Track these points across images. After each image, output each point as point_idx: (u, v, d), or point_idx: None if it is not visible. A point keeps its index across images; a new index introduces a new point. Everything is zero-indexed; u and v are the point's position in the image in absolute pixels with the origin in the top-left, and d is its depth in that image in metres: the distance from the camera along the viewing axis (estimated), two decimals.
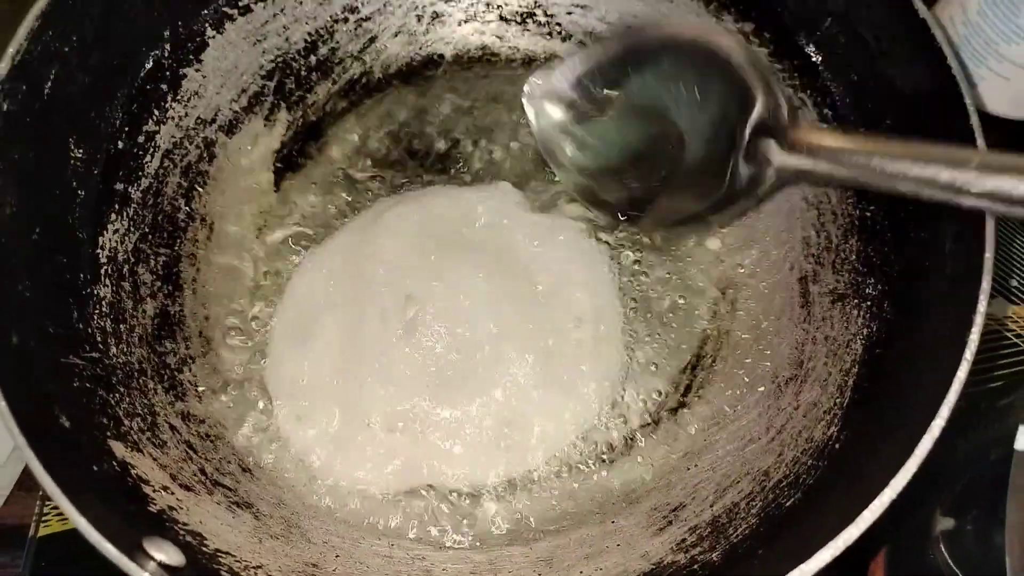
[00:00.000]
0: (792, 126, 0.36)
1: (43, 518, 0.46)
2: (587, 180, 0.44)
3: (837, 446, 0.36)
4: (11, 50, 0.36)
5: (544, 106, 0.43)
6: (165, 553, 0.30)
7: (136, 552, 0.29)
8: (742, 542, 0.34)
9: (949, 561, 0.37)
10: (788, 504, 0.35)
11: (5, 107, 0.35)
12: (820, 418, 0.38)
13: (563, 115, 0.43)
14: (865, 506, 0.29)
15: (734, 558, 0.34)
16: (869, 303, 0.39)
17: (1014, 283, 0.53)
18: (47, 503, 0.46)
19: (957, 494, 0.38)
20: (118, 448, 0.35)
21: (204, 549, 0.33)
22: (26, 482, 0.47)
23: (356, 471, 0.40)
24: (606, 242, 0.46)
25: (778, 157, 0.36)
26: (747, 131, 0.37)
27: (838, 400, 0.38)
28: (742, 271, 0.45)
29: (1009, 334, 0.51)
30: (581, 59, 0.41)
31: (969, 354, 0.31)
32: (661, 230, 0.45)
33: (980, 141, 0.35)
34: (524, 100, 0.43)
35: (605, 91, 0.41)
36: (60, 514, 0.46)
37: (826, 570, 0.28)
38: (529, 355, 0.42)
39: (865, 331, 0.39)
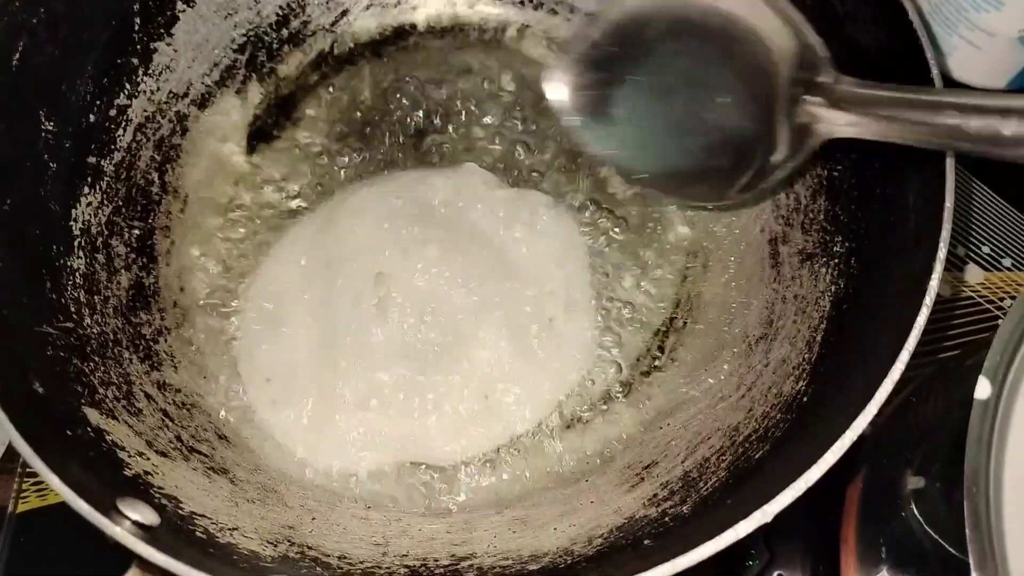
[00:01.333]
0: (837, 81, 0.33)
1: (22, 494, 0.46)
2: (619, 155, 0.42)
3: (805, 399, 0.36)
4: None
5: (563, 88, 0.40)
6: (140, 513, 0.30)
7: (111, 511, 0.29)
8: (712, 494, 0.35)
9: (919, 518, 0.38)
10: (757, 456, 0.35)
11: None
12: (789, 374, 0.38)
13: (584, 94, 0.40)
14: (828, 448, 0.29)
15: (703, 509, 0.34)
16: (837, 260, 0.40)
17: (986, 250, 0.53)
18: (25, 480, 0.47)
19: (925, 453, 0.39)
20: (92, 415, 0.35)
21: (180, 511, 0.33)
22: (5, 465, 0.48)
23: (334, 451, 0.40)
24: (578, 213, 0.46)
25: (826, 115, 0.33)
26: (785, 90, 0.34)
27: (806, 356, 0.38)
28: (714, 234, 0.46)
29: (981, 300, 0.52)
30: (594, 32, 0.39)
31: (929, 300, 0.31)
32: (688, 202, 0.44)
33: None
34: (544, 82, 0.41)
35: (622, 62, 0.39)
36: (39, 490, 0.46)
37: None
38: (502, 328, 0.42)
39: (833, 288, 0.39)
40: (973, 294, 0.52)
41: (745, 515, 0.29)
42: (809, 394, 0.36)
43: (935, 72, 0.37)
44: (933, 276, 0.32)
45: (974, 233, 0.54)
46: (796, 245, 0.42)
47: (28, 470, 0.47)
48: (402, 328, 0.42)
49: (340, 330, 0.41)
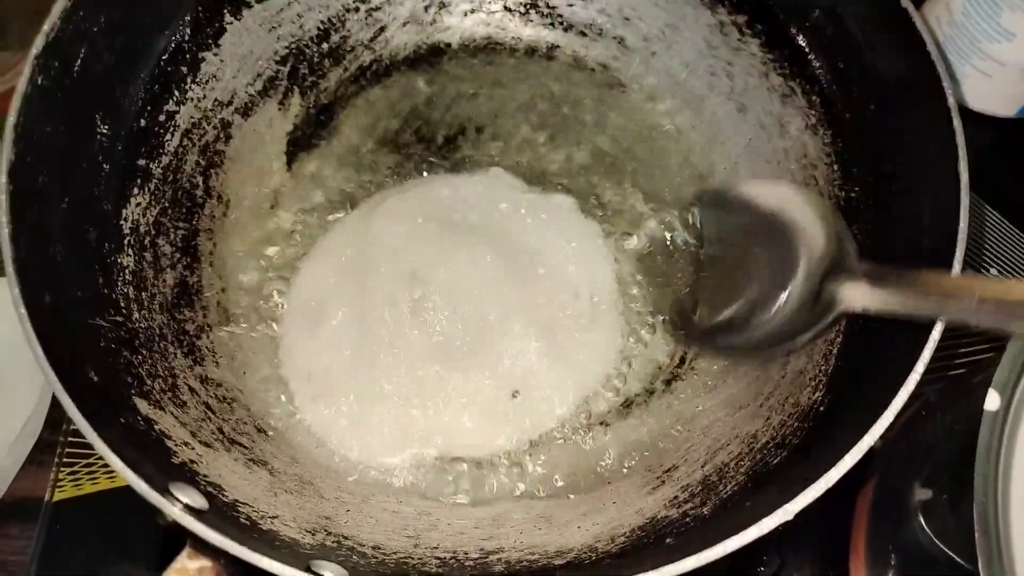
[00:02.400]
0: (861, 268, 0.38)
1: (58, 483, 0.48)
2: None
3: (821, 409, 0.38)
4: (45, 27, 0.38)
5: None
6: (190, 497, 0.32)
7: (165, 494, 0.31)
8: (731, 497, 0.36)
9: (926, 529, 0.39)
10: (775, 462, 0.37)
11: (40, 81, 0.37)
12: (806, 384, 0.40)
13: None
14: (845, 453, 0.31)
15: (723, 511, 0.36)
16: None
17: (995, 272, 0.55)
18: (62, 469, 0.48)
19: (933, 466, 0.41)
20: (142, 405, 0.37)
21: (223, 499, 0.35)
22: (38, 457, 0.49)
23: (374, 446, 0.42)
24: (600, 220, 0.48)
25: (848, 292, 0.37)
26: (819, 273, 0.39)
27: (823, 368, 0.40)
28: None
29: None
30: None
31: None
32: (716, 354, 0.45)
33: (956, 121, 0.37)
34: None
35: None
36: (75, 479, 0.48)
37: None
38: (531, 328, 0.44)
39: None
40: None
41: (765, 515, 0.30)
42: (826, 404, 0.38)
43: (951, 102, 0.38)
44: None
45: (984, 256, 0.55)
46: None
47: (64, 460, 0.48)
48: (435, 327, 0.43)
49: (377, 329, 0.43)
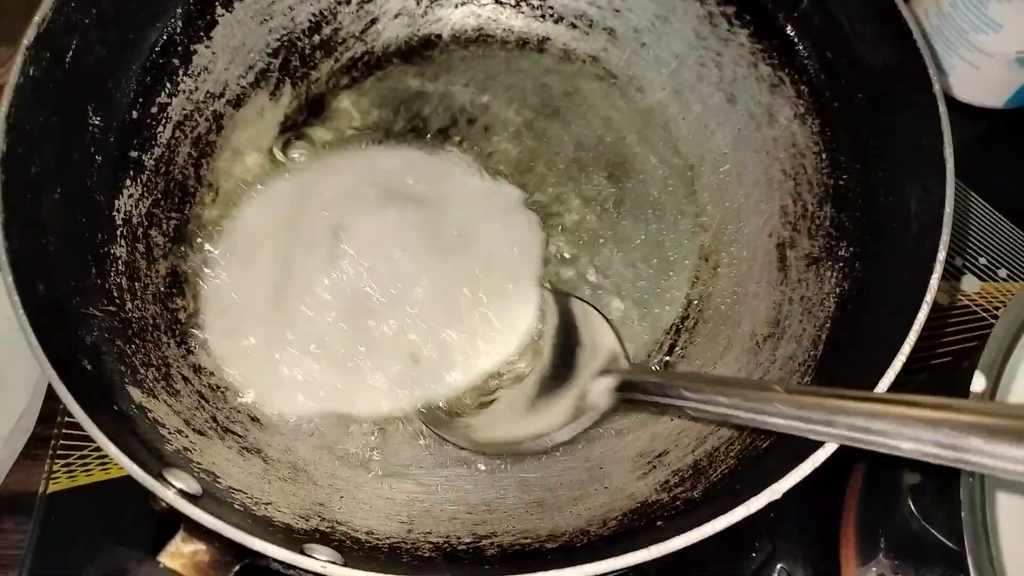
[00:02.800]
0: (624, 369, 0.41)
1: (52, 475, 0.48)
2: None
3: None
4: (37, 18, 0.38)
5: None
6: (184, 483, 0.32)
7: (159, 479, 0.31)
8: (721, 480, 0.37)
9: (916, 513, 0.40)
10: (764, 446, 0.37)
11: (32, 72, 0.37)
12: (795, 370, 0.40)
13: None
14: None
15: (713, 493, 0.36)
16: (841, 264, 0.42)
17: (983, 261, 0.56)
18: (56, 461, 0.48)
19: None
20: (135, 393, 0.37)
21: (218, 485, 0.35)
22: (31, 451, 0.49)
23: (275, 389, 0.43)
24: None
25: (612, 391, 0.39)
26: (594, 374, 0.41)
27: (812, 353, 0.40)
28: (724, 239, 0.48)
29: (977, 309, 0.54)
30: None
31: (929, 298, 0.33)
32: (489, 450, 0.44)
33: (942, 109, 0.38)
34: None
35: None
36: (69, 471, 0.48)
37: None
38: (440, 295, 0.44)
39: (838, 289, 0.41)
40: (969, 303, 0.54)
41: (754, 494, 0.31)
42: None
43: (937, 89, 0.39)
44: (933, 277, 0.34)
45: (971, 245, 0.56)
46: (803, 250, 0.45)
47: (59, 452, 0.49)
48: (347, 282, 0.44)
49: (293, 275, 0.44)
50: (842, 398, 0.28)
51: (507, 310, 0.45)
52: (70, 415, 0.47)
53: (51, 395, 0.51)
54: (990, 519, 0.33)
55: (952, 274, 0.55)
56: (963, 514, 0.32)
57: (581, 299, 0.45)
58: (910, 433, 0.25)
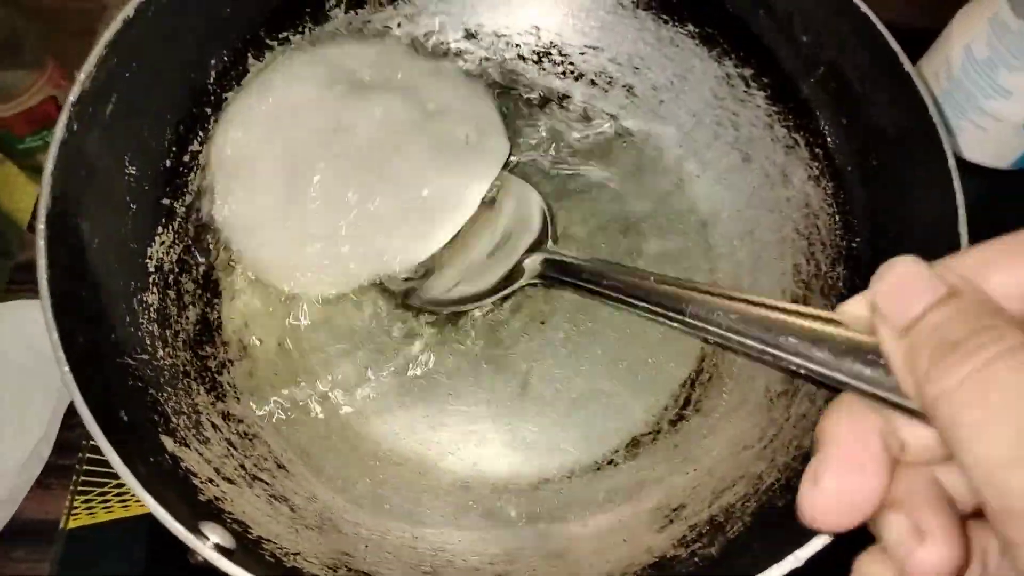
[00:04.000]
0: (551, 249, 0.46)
1: (73, 510, 0.49)
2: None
3: None
4: (81, 75, 0.39)
5: None
6: (219, 536, 0.33)
7: (196, 533, 0.32)
8: (738, 538, 0.38)
9: None
10: (781, 504, 0.38)
11: (75, 128, 0.38)
12: (809, 428, 0.41)
13: None
14: None
15: (731, 552, 0.37)
16: None
17: None
18: (76, 496, 0.49)
19: None
20: (168, 443, 0.38)
21: (248, 536, 0.36)
22: (45, 480, 0.51)
23: (309, 280, 0.47)
24: None
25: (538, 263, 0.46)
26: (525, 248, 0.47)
27: None
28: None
29: None
30: None
31: None
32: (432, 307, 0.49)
33: (955, 175, 0.39)
34: None
35: None
36: (89, 507, 0.49)
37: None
38: (424, 147, 0.49)
39: None
40: None
41: (774, 561, 0.32)
42: None
43: (949, 154, 0.40)
44: None
45: None
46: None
47: (79, 488, 0.49)
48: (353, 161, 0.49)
49: (306, 174, 0.48)
50: (744, 302, 0.29)
51: (486, 141, 0.51)
52: (92, 451, 0.49)
53: (67, 423, 0.52)
54: None
55: None
56: None
57: (523, 181, 0.50)
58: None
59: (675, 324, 0.34)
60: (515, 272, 0.46)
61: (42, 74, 0.67)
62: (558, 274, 0.44)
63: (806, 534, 0.32)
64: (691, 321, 0.32)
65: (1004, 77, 0.53)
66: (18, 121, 0.69)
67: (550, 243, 0.47)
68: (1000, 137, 0.56)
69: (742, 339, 0.28)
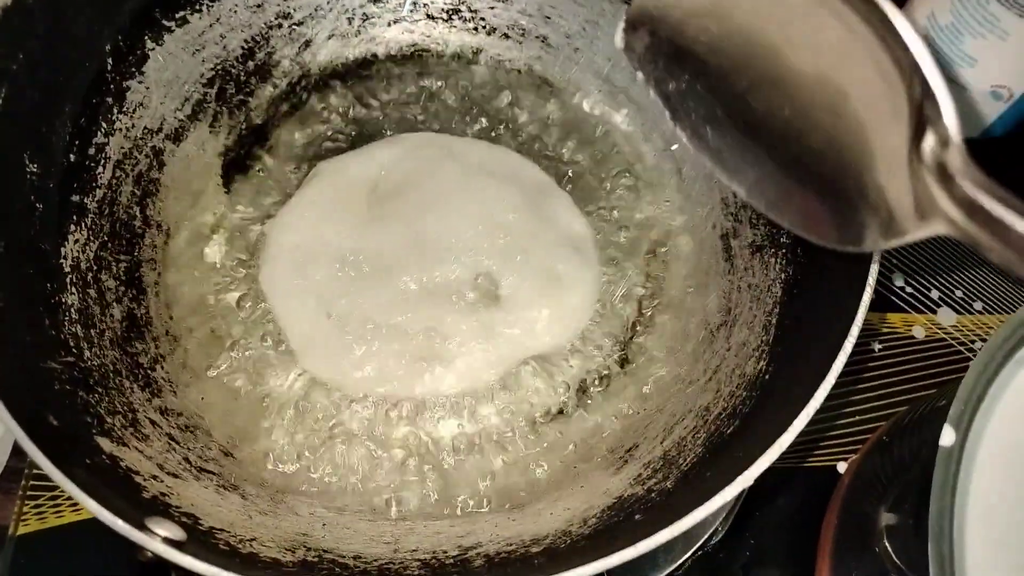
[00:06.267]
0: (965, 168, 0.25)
1: (22, 517, 0.47)
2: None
3: (767, 377, 0.40)
4: None
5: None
6: (167, 530, 0.32)
7: (143, 529, 0.31)
8: (691, 469, 0.38)
9: (891, 553, 0.40)
10: (728, 432, 0.39)
11: None
12: (750, 355, 0.42)
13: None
14: (794, 418, 0.33)
15: (686, 483, 0.37)
16: (784, 250, 0.44)
17: (959, 294, 0.57)
18: (26, 503, 0.47)
19: (898, 491, 0.42)
20: (105, 443, 0.37)
21: (199, 527, 0.35)
22: (4, 485, 0.48)
23: (354, 379, 0.45)
24: None
25: (947, 207, 0.26)
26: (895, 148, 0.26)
27: (764, 338, 0.42)
28: (671, 233, 0.50)
29: (953, 342, 0.55)
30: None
31: (871, 279, 0.35)
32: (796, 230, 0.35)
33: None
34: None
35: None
36: (39, 513, 0.47)
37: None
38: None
39: (783, 275, 0.43)
40: (946, 336, 0.55)
41: (727, 483, 0.32)
42: (770, 372, 0.40)
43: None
44: (875, 257, 0.36)
45: (947, 278, 0.57)
46: (746, 239, 0.46)
47: (28, 493, 0.48)
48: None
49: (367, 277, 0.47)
50: None
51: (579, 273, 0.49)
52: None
53: None
54: (958, 551, 0.33)
55: (929, 307, 0.56)
56: (929, 545, 0.32)
57: None
58: None
59: None
60: None
61: None
62: None
63: (754, 456, 0.32)
64: None
65: (969, 44, 0.52)
66: None
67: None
68: (969, 106, 0.55)
69: None
